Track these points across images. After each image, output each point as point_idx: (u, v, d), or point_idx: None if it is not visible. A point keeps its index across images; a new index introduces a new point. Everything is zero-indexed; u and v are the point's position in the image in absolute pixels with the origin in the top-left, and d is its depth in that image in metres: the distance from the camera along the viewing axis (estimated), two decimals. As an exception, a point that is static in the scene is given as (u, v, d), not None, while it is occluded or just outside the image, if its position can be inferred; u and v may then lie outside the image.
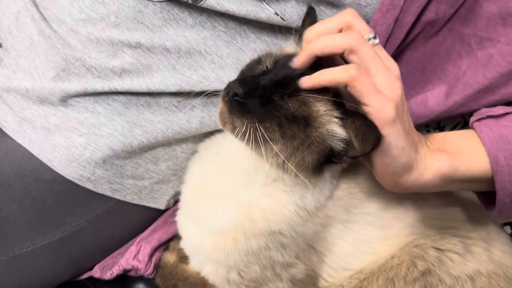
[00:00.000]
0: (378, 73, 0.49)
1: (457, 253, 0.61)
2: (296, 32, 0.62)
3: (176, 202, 0.74)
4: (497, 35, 0.59)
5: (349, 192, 0.62)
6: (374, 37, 0.51)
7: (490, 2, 0.58)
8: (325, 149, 0.53)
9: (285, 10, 0.64)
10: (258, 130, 0.51)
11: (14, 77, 0.67)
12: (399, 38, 0.63)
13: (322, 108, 0.52)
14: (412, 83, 0.69)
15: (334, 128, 0.52)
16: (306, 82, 0.51)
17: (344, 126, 0.52)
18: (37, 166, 0.65)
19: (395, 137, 0.49)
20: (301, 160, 0.53)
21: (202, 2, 0.61)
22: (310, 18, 0.60)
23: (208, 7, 0.62)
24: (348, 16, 0.51)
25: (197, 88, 0.67)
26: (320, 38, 0.50)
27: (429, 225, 0.64)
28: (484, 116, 0.55)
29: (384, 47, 0.63)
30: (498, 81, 0.60)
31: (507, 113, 0.54)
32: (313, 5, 0.62)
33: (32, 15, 0.65)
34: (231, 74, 0.68)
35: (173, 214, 0.71)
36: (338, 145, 0.53)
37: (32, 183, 0.64)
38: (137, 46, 0.64)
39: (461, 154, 0.54)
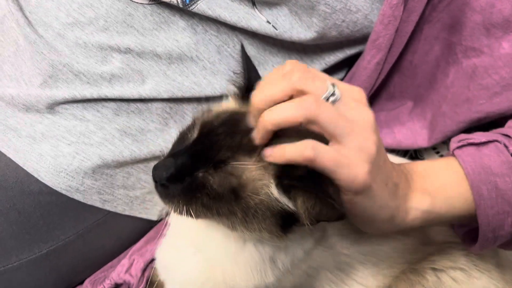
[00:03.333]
0: (345, 138, 0.42)
1: (461, 269, 0.58)
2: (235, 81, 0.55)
3: (168, 213, 0.72)
4: (480, 45, 0.58)
5: (340, 235, 0.57)
6: (333, 93, 0.43)
7: (475, 11, 0.58)
8: (277, 213, 0.45)
9: (277, 19, 0.63)
10: (190, 213, 0.45)
11: None
12: (399, 47, 0.64)
13: (256, 173, 0.44)
14: (404, 90, 0.69)
15: (275, 193, 0.45)
16: (269, 156, 0.43)
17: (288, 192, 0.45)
18: (22, 177, 0.62)
19: (370, 201, 0.45)
20: (256, 228, 0.45)
21: (193, 7, 0.60)
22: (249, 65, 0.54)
23: (199, 12, 0.61)
24: (295, 80, 0.42)
25: (189, 94, 0.65)
26: (272, 111, 0.42)
27: (428, 247, 0.61)
28: (465, 143, 0.52)
29: (386, 57, 0.64)
30: (481, 94, 0.59)
31: (489, 142, 0.51)
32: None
33: (17, 19, 0.63)
34: (223, 81, 0.67)
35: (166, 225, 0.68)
36: (290, 208, 0.45)
37: (17, 195, 0.61)
38: (127, 51, 0.62)
39: (443, 193, 0.50)
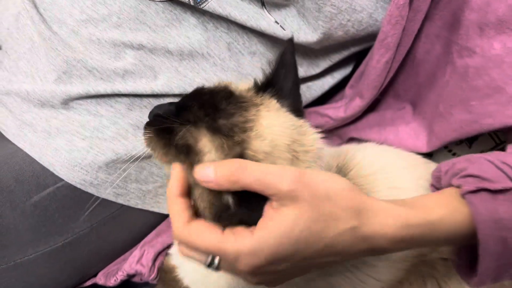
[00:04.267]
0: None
1: None
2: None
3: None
4: (474, 45, 0.57)
5: None
6: (211, 263, 0.44)
7: (471, 10, 0.57)
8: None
9: (285, 20, 0.64)
10: (151, 146, 0.50)
11: (14, 79, 0.66)
12: (406, 46, 0.64)
13: (210, 145, 0.46)
14: (407, 89, 0.69)
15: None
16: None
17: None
18: (38, 171, 0.63)
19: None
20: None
21: (204, 5, 0.61)
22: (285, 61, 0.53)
23: (210, 10, 0.61)
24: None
25: None
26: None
27: None
28: (479, 188, 0.46)
29: (394, 56, 0.64)
30: (472, 95, 0.57)
31: (507, 190, 0.45)
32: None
33: (31, 16, 0.64)
34: (232, 77, 0.68)
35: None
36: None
37: (33, 189, 0.63)
38: (140, 47, 0.63)
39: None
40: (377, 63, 0.65)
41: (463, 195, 0.46)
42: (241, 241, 0.42)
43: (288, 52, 0.53)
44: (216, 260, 0.44)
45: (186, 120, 0.48)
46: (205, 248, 0.43)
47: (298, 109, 0.54)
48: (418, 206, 0.46)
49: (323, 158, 0.50)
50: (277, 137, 0.47)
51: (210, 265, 0.44)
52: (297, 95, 0.55)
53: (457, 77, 0.60)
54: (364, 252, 0.44)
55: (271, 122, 0.48)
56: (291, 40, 0.54)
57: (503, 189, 0.45)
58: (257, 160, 0.45)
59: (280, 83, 0.53)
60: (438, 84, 0.65)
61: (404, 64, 0.68)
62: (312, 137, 0.50)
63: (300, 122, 0.51)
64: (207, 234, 0.43)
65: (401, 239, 0.44)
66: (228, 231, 0.43)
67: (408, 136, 0.70)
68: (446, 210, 0.46)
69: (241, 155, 0.45)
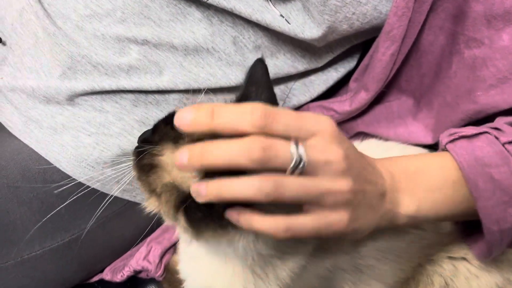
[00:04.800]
0: (318, 201, 0.40)
1: (475, 266, 0.58)
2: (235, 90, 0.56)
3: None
4: (481, 36, 0.57)
5: None
6: (298, 165, 0.38)
7: (477, 1, 0.57)
8: (174, 200, 0.47)
9: (290, 13, 0.63)
10: (135, 169, 0.52)
11: (19, 75, 0.65)
12: (412, 38, 0.64)
13: (166, 162, 0.48)
14: (410, 80, 0.69)
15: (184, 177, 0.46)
16: (202, 197, 0.39)
17: None
18: (45, 167, 0.63)
19: (356, 235, 0.46)
20: (162, 208, 0.49)
21: None
22: (256, 75, 0.52)
23: (214, 4, 0.61)
24: (255, 152, 0.36)
25: (205, 85, 0.66)
26: (226, 187, 0.37)
27: (445, 238, 0.61)
28: (457, 137, 0.52)
29: (399, 48, 0.64)
30: (478, 85, 0.58)
31: (480, 133, 0.51)
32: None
33: (36, 11, 0.64)
34: (237, 72, 0.68)
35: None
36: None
37: (39, 185, 0.63)
38: (144, 42, 0.63)
39: (431, 198, 0.50)
40: (383, 56, 0.65)
41: (445, 147, 0.52)
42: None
43: (258, 70, 0.52)
44: (303, 153, 0.38)
45: (154, 141, 0.50)
46: (289, 121, 0.38)
47: None
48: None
49: None
50: None
51: (295, 167, 0.38)
52: None
53: (464, 68, 0.60)
54: (388, 214, 0.48)
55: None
56: (261, 60, 0.54)
57: (477, 133, 0.51)
58: None
59: (252, 100, 0.51)
60: (444, 75, 0.65)
61: (408, 55, 0.67)
62: None
63: None
64: (286, 112, 0.38)
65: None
66: None
67: (416, 129, 0.70)
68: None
69: None
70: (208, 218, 0.43)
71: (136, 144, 0.54)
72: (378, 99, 0.75)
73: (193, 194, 0.40)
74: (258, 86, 0.52)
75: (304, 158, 0.38)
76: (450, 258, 0.59)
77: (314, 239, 0.52)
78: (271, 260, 0.50)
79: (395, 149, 0.68)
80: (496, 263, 0.58)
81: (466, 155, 0.50)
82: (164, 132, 0.50)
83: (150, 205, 0.51)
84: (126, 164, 0.54)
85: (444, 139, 0.53)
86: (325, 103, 0.76)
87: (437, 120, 0.67)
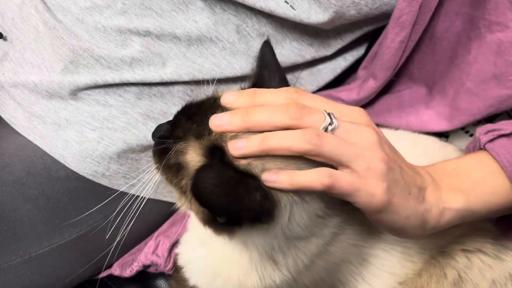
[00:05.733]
0: (352, 162, 0.42)
1: (487, 253, 0.57)
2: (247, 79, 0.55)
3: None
4: (505, 19, 0.56)
5: (361, 227, 0.55)
6: (331, 123, 0.42)
7: None
8: None
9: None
10: (159, 170, 0.49)
11: (21, 71, 0.65)
12: (423, 24, 0.62)
13: (196, 158, 0.46)
14: (423, 67, 0.68)
15: None
16: (274, 183, 0.42)
17: None
18: (49, 163, 0.63)
19: (395, 215, 0.45)
20: (192, 208, 0.47)
21: None
22: (266, 58, 0.53)
23: None
24: (292, 115, 0.42)
25: (209, 76, 0.65)
26: (278, 137, 0.41)
27: (456, 229, 0.58)
28: (496, 135, 0.51)
29: (410, 35, 0.62)
30: (509, 70, 0.57)
31: None
32: None
33: (35, 5, 0.63)
34: (242, 61, 0.66)
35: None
36: None
37: (45, 181, 0.62)
38: (146, 34, 0.62)
39: (477, 190, 0.49)
40: (392, 43, 0.63)
41: (484, 147, 0.51)
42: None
43: (267, 53, 0.53)
44: (335, 119, 0.43)
45: (177, 137, 0.47)
46: (325, 104, 0.44)
47: None
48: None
49: None
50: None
51: (327, 126, 0.42)
52: None
53: (487, 53, 0.58)
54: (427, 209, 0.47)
55: None
56: (267, 42, 0.54)
57: None
58: (237, 161, 0.43)
59: (267, 85, 0.52)
60: (462, 61, 0.63)
61: (420, 42, 0.66)
62: None
63: None
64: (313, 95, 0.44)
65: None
66: None
67: (429, 117, 0.69)
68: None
69: (219, 148, 0.44)
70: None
71: (148, 140, 0.54)
72: (388, 89, 0.73)
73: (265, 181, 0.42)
74: (269, 70, 0.53)
75: (335, 121, 0.42)
76: (464, 250, 0.58)
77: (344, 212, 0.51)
78: (296, 243, 0.50)
79: (407, 137, 0.66)
80: (507, 251, 0.57)
81: (507, 154, 0.48)
82: (187, 128, 0.47)
83: (183, 205, 0.49)
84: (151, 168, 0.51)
85: (482, 137, 0.51)
86: (332, 92, 0.75)
87: (454, 108, 0.65)
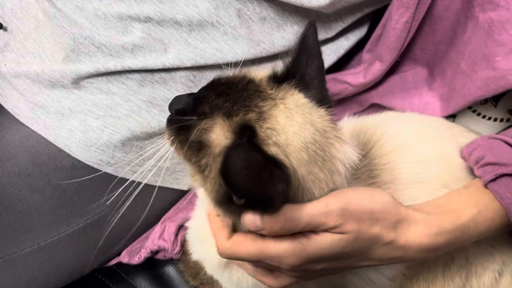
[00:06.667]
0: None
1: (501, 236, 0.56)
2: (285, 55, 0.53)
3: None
4: None
5: None
6: None
7: None
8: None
9: None
10: (173, 144, 0.48)
11: (22, 61, 0.64)
12: (426, 3, 0.61)
13: (222, 137, 0.45)
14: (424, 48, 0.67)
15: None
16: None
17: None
18: (55, 153, 0.63)
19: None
20: (208, 188, 0.45)
21: None
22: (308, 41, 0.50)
23: None
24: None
25: (212, 61, 0.64)
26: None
27: None
28: (499, 174, 0.49)
29: (414, 15, 0.61)
30: (497, 51, 0.55)
31: None
32: None
33: None
34: (244, 46, 0.66)
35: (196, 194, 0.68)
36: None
37: (51, 171, 0.62)
38: (147, 20, 0.61)
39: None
40: (396, 24, 0.62)
41: (486, 186, 0.49)
42: (281, 245, 0.45)
43: (310, 35, 0.50)
44: None
45: (202, 114, 0.46)
46: (248, 256, 0.46)
47: (324, 98, 0.50)
48: (449, 211, 0.49)
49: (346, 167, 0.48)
50: (292, 137, 0.44)
51: None
52: (322, 83, 0.51)
53: (480, 33, 0.57)
54: (397, 259, 0.48)
55: (287, 120, 0.45)
56: (312, 22, 0.50)
57: None
58: (266, 147, 0.43)
59: (302, 71, 0.50)
60: (459, 41, 0.62)
61: (422, 22, 0.65)
62: (337, 145, 0.48)
63: (325, 123, 0.48)
64: (249, 243, 0.46)
65: (435, 247, 0.48)
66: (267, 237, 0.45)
67: (432, 99, 0.68)
68: (476, 210, 0.49)
69: (251, 129, 0.43)
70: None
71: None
72: (392, 70, 0.72)
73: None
74: (309, 55, 0.50)
75: None
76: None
77: None
78: None
79: (414, 119, 0.65)
80: None
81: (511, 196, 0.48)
82: (215, 105, 0.46)
83: (195, 182, 0.48)
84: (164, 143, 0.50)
85: (485, 176, 0.50)
86: (338, 76, 0.74)
87: (451, 89, 0.64)
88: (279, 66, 0.52)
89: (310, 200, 0.44)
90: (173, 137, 0.48)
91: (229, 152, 0.39)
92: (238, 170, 0.38)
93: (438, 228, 0.47)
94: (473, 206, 0.49)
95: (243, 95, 0.45)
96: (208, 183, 0.45)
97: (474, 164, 0.53)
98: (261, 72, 0.51)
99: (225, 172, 0.39)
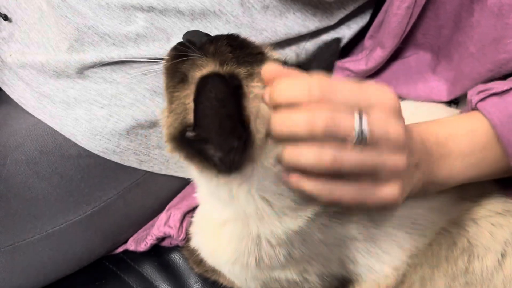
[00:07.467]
0: (373, 175, 0.41)
1: (500, 214, 0.57)
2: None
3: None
4: None
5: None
6: (361, 133, 0.38)
7: None
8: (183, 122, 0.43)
9: None
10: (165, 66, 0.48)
11: (27, 51, 0.65)
12: None
13: (197, 74, 0.44)
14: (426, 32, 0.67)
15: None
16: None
17: None
18: (61, 141, 0.64)
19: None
20: (173, 123, 0.44)
21: None
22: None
23: None
24: (319, 121, 0.37)
25: None
26: (294, 152, 0.39)
27: (469, 203, 0.59)
28: (487, 94, 0.51)
29: (415, 0, 0.61)
30: (507, 33, 0.55)
31: (511, 89, 0.50)
32: None
33: None
34: (246, 34, 0.65)
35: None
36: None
37: (57, 160, 0.63)
38: (150, 9, 0.61)
39: (467, 159, 0.50)
40: (398, 9, 0.62)
41: (476, 106, 0.50)
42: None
43: (328, 51, 0.50)
44: (365, 125, 0.38)
45: (205, 51, 0.46)
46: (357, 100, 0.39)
47: None
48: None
49: None
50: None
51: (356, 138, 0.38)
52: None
53: (489, 16, 0.57)
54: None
55: None
56: (338, 41, 0.51)
57: (508, 89, 0.49)
58: (245, 102, 0.42)
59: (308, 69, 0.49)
60: (464, 25, 0.62)
61: (424, 7, 0.64)
62: None
63: None
64: (345, 84, 0.39)
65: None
66: None
67: (437, 83, 0.68)
68: (456, 125, 0.51)
69: (237, 81, 0.42)
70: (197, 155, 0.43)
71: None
72: (394, 56, 0.72)
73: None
74: (320, 65, 0.49)
75: (367, 132, 0.38)
76: (473, 219, 0.57)
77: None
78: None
79: (409, 105, 0.66)
80: None
81: (498, 113, 0.48)
82: (222, 51, 0.45)
83: (161, 114, 0.48)
84: (155, 68, 0.50)
85: (474, 97, 0.51)
86: (339, 63, 0.74)
87: (458, 72, 0.64)
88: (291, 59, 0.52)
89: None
90: (169, 61, 0.49)
91: (214, 75, 0.39)
92: (213, 95, 0.37)
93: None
94: (455, 126, 0.51)
95: (248, 58, 0.45)
96: (170, 117, 0.45)
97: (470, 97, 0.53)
98: (277, 54, 0.52)
99: (201, 88, 0.38)
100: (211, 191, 0.49)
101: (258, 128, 0.42)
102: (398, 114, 0.41)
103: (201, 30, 0.50)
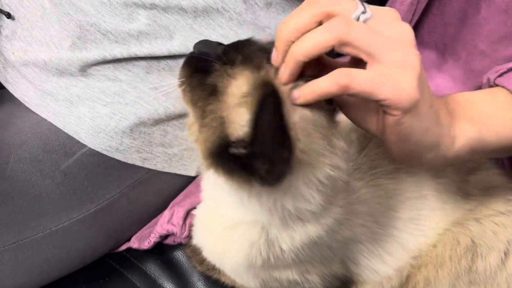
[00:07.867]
0: (383, 54, 0.39)
1: (502, 213, 0.56)
2: None
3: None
4: None
5: (368, 208, 0.54)
6: (364, 11, 0.39)
7: None
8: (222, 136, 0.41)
9: None
10: (181, 80, 0.46)
11: (30, 49, 0.65)
12: None
13: (241, 89, 0.42)
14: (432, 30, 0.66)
15: (237, 118, 0.41)
16: (299, 99, 0.41)
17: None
18: (64, 139, 0.64)
19: (417, 121, 0.41)
20: (204, 137, 0.42)
21: None
22: None
23: None
24: (322, 4, 0.40)
25: None
26: (301, 41, 0.39)
27: (471, 201, 0.58)
28: (505, 69, 0.50)
29: (417, 4, 0.60)
30: None
31: None
32: None
33: None
34: (249, 31, 0.66)
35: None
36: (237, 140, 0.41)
37: (61, 158, 0.63)
38: (152, 7, 0.61)
39: (489, 121, 0.47)
40: (401, 5, 0.62)
41: (494, 83, 0.50)
42: None
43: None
44: (368, 8, 0.39)
45: (229, 60, 0.44)
46: None
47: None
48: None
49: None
50: (307, 114, 0.43)
51: (359, 14, 0.39)
52: None
53: (497, 13, 0.56)
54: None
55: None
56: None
57: None
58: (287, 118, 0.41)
59: None
60: (472, 22, 0.61)
61: (429, 4, 0.64)
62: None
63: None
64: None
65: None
66: None
67: (443, 80, 0.67)
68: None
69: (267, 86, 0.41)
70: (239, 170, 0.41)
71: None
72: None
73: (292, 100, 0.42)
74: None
75: (369, 10, 0.40)
76: (476, 219, 0.57)
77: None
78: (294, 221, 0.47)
79: None
80: None
81: None
82: (252, 55, 0.44)
83: (190, 129, 0.46)
84: (172, 82, 0.47)
85: (491, 76, 0.51)
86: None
87: (468, 70, 0.64)
88: None
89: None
90: (184, 78, 0.46)
91: (273, 91, 0.38)
92: (272, 111, 0.37)
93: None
94: (472, 94, 0.50)
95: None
96: (205, 132, 0.43)
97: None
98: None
99: (262, 109, 0.38)
100: (231, 194, 0.46)
101: (298, 136, 0.41)
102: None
103: (209, 39, 0.48)
